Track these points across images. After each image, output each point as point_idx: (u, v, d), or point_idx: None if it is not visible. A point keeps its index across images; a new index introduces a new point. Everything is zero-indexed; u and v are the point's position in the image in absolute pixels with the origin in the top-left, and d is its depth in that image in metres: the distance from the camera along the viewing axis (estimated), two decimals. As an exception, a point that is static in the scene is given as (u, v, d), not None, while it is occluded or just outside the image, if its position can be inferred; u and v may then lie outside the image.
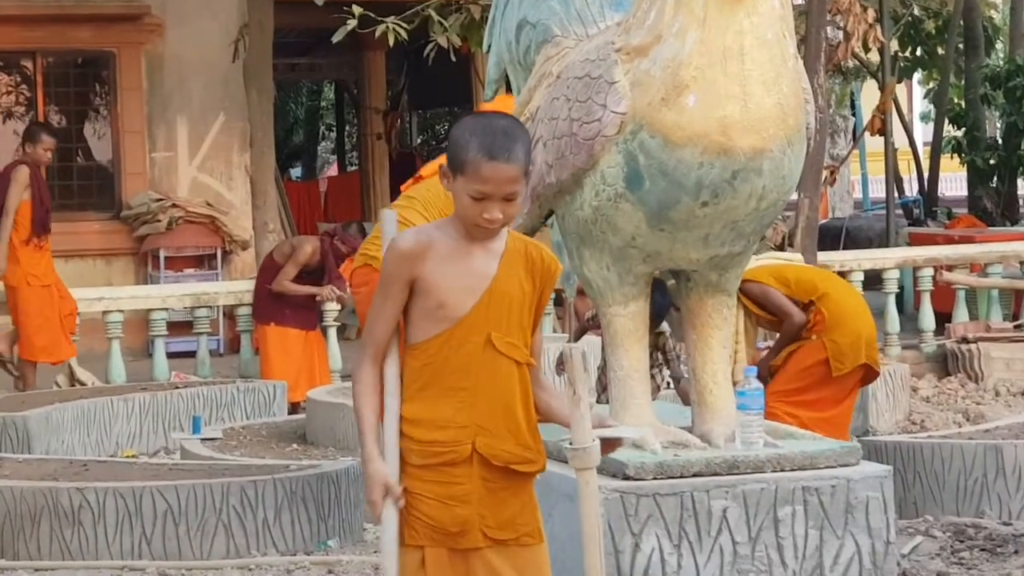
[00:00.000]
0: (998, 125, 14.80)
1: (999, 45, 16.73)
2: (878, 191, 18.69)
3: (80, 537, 4.60)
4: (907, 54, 14.24)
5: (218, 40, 10.22)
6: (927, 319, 8.87)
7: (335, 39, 7.80)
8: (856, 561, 3.25)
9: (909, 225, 13.04)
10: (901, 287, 9.43)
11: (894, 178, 12.54)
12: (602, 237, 3.32)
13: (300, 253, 7.64)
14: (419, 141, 19.64)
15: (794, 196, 7.14)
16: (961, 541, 4.58)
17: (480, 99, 10.45)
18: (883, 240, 11.64)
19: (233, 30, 9.85)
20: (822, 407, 5.13)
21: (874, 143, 13.92)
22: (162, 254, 10.46)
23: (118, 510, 4.60)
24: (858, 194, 20.04)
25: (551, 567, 2.61)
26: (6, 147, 10.13)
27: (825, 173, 9.21)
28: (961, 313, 8.97)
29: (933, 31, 13.79)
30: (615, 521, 3.14)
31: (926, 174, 14.69)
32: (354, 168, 18.80)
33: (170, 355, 8.28)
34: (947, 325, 8.85)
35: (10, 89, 11.02)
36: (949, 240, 10.41)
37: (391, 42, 7.81)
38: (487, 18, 4.13)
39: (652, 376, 4.55)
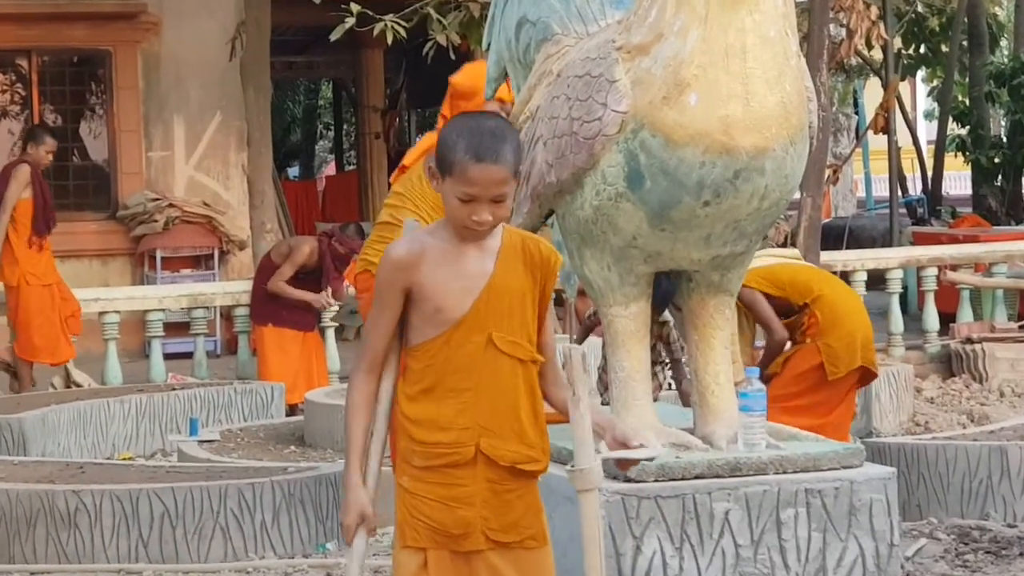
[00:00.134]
0: (1002, 123, 14.78)
1: (1003, 42, 16.73)
2: (881, 190, 18.70)
3: (76, 540, 4.59)
4: (911, 51, 14.22)
5: (215, 38, 10.20)
6: (931, 319, 8.85)
7: (333, 37, 7.77)
8: (860, 564, 3.23)
9: (913, 224, 13.02)
10: (905, 287, 9.41)
11: (897, 177, 12.51)
12: (603, 237, 3.29)
13: (298, 254, 7.61)
14: (418, 140, 19.63)
15: (796, 195, 7.11)
16: (965, 543, 4.56)
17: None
18: (886, 239, 11.62)
19: (230, 28, 9.83)
20: (820, 413, 5.10)
21: (877, 141, 13.89)
22: (159, 254, 10.45)
23: (115, 513, 4.58)
24: (861, 193, 20.02)
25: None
26: (1, 146, 10.12)
27: (828, 172, 9.17)
28: (965, 313, 8.95)
29: (937, 28, 13.76)
30: (616, 523, 3.13)
31: (930, 173, 14.67)
32: (352, 167, 18.81)
33: (167, 356, 8.26)
34: (951, 325, 8.83)
35: (5, 88, 11.01)
36: (953, 239, 10.39)
37: (389, 40, 7.78)
38: (486, 16, 4.10)
39: (655, 374, 4.52)
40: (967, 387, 8.24)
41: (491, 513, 2.52)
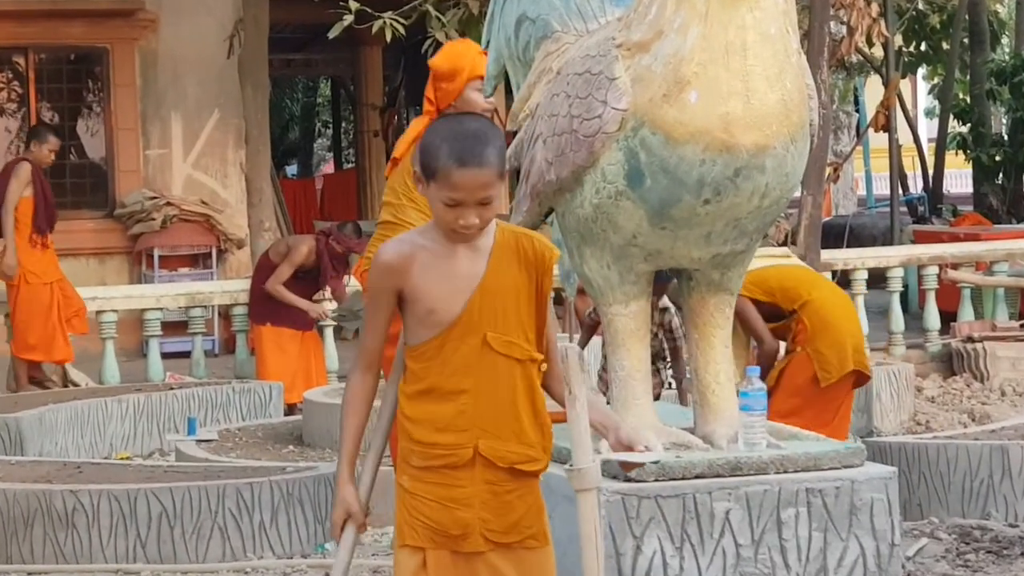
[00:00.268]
0: (1004, 121, 14.77)
1: (1004, 40, 16.71)
2: (882, 188, 18.68)
3: (74, 540, 4.57)
4: (911, 49, 14.21)
5: (213, 36, 10.18)
6: (932, 318, 8.84)
7: (331, 35, 7.75)
8: (860, 563, 3.22)
9: (914, 223, 13.02)
10: (905, 285, 9.40)
11: (898, 175, 12.50)
12: (603, 235, 3.28)
13: (296, 254, 7.59)
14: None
15: (797, 193, 7.09)
16: (967, 543, 4.54)
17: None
18: (887, 238, 11.61)
19: (228, 26, 9.80)
20: (821, 422, 5.06)
21: (878, 139, 13.88)
22: (156, 253, 10.43)
23: (112, 513, 4.57)
24: (862, 191, 20.02)
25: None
26: (-2, 144, 10.11)
27: (828, 170, 9.15)
28: (966, 312, 8.94)
29: (938, 26, 13.75)
30: (616, 523, 3.11)
31: (931, 171, 14.67)
32: (351, 165, 18.80)
33: (165, 355, 8.24)
34: (952, 324, 8.82)
35: (2, 86, 10.99)
36: (954, 238, 10.38)
37: (388, 38, 7.76)
38: (485, 13, 4.08)
39: (657, 371, 4.51)
40: (968, 386, 8.23)
41: (491, 515, 2.51)
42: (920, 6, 13.55)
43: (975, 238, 10.13)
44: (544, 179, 3.39)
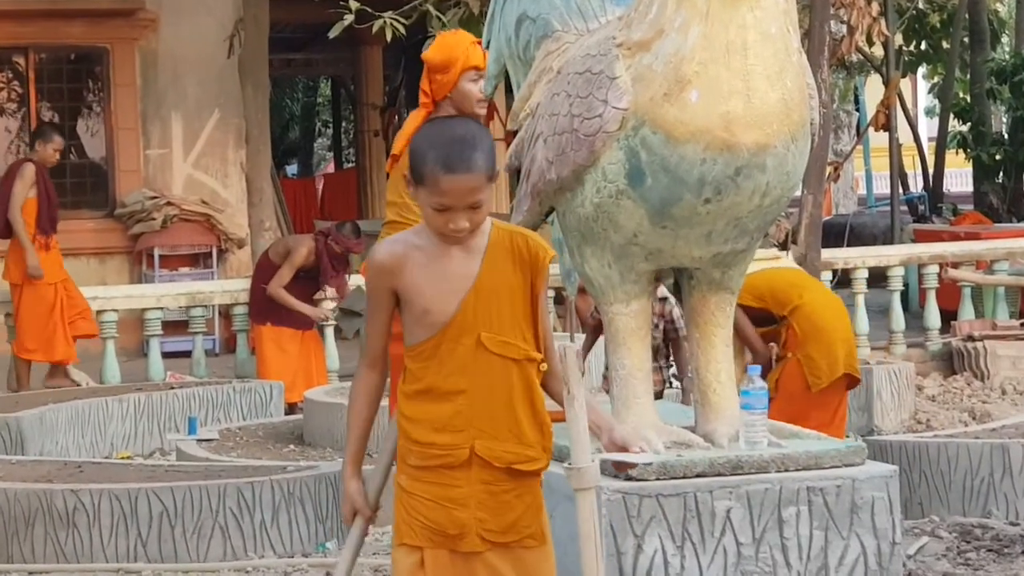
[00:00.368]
0: (1004, 120, 14.76)
1: (1005, 39, 16.71)
2: (882, 187, 18.68)
3: (75, 539, 4.57)
4: (912, 48, 14.21)
5: (213, 36, 10.17)
6: (932, 317, 8.83)
7: (332, 34, 7.75)
8: (861, 562, 3.21)
9: (914, 222, 13.02)
10: (906, 284, 9.40)
11: (899, 174, 12.50)
12: (603, 234, 3.27)
13: (296, 256, 7.60)
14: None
15: (797, 192, 7.09)
16: (968, 541, 4.54)
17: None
18: (888, 237, 11.61)
19: (228, 25, 9.79)
20: (819, 428, 5.05)
21: (878, 139, 13.87)
22: (157, 253, 10.43)
23: (113, 512, 4.57)
24: (862, 190, 20.02)
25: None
26: (-1, 144, 10.11)
27: (829, 169, 9.15)
28: (967, 311, 8.93)
29: (938, 25, 13.74)
30: (617, 522, 3.10)
31: (931, 170, 14.67)
32: (351, 165, 18.79)
33: (165, 355, 8.24)
34: (953, 323, 8.82)
35: (2, 86, 10.98)
36: (955, 237, 10.38)
37: (388, 37, 7.76)
38: (486, 13, 4.07)
39: (659, 368, 4.50)
40: (968, 385, 8.23)
41: (488, 514, 2.51)
42: (920, 5, 13.54)
43: (975, 237, 10.13)
44: (545, 178, 3.39)
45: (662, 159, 3.12)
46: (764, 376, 5.06)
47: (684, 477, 3.16)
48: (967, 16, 13.59)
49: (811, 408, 5.04)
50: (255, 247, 9.07)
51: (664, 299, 4.54)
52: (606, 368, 4.29)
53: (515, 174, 3.63)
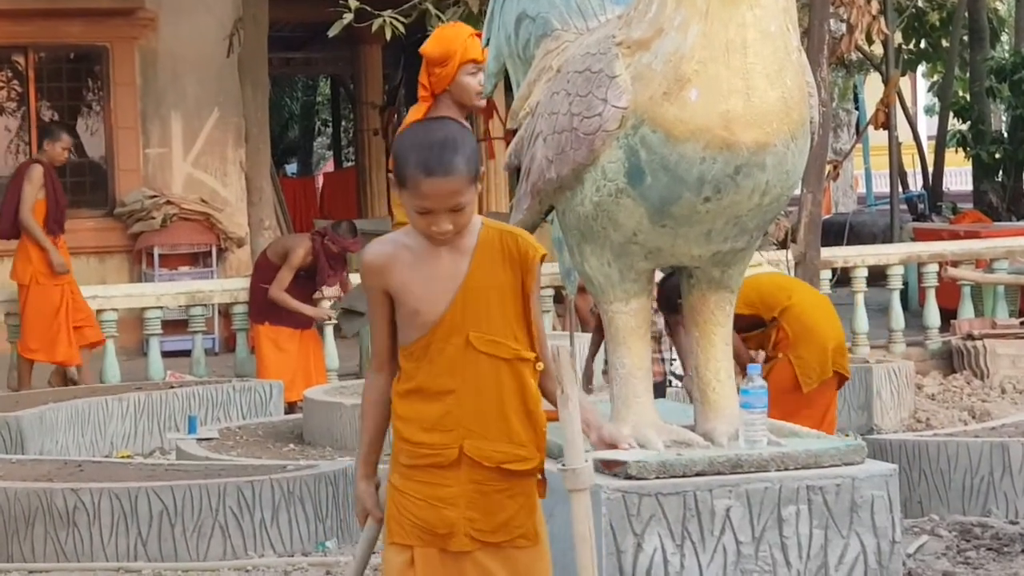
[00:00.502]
0: (1003, 118, 14.78)
1: (1004, 37, 16.72)
2: (882, 186, 18.69)
3: (75, 538, 4.56)
4: (911, 47, 14.21)
5: (212, 35, 10.17)
6: (932, 316, 8.83)
7: (331, 33, 7.74)
8: (861, 561, 3.21)
9: (913, 220, 13.02)
10: (905, 283, 9.40)
11: (898, 173, 12.50)
12: (603, 233, 3.27)
13: (294, 257, 7.60)
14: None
15: (797, 191, 7.09)
16: (967, 540, 4.54)
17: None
18: (887, 236, 11.61)
19: (228, 24, 9.79)
20: (811, 427, 5.06)
21: (878, 137, 13.87)
22: (156, 252, 10.42)
23: (113, 511, 4.56)
24: (862, 189, 20.01)
25: (552, 567, 2.58)
26: (-1, 143, 10.11)
27: (828, 168, 9.15)
28: (966, 309, 8.93)
29: (937, 23, 13.74)
30: (617, 521, 3.10)
31: (931, 168, 14.67)
32: (351, 164, 18.78)
33: (165, 354, 8.24)
34: (952, 322, 8.81)
35: (2, 85, 10.97)
36: (954, 235, 10.37)
37: (388, 36, 7.75)
38: (485, 11, 4.07)
39: (661, 359, 4.50)
40: (968, 383, 8.23)
41: (478, 514, 2.51)
42: (920, 3, 13.54)
43: (975, 235, 10.12)
44: (544, 177, 3.39)
45: (662, 158, 3.12)
46: None
47: (684, 476, 3.16)
48: (967, 14, 13.59)
49: (802, 408, 5.04)
50: (255, 246, 9.07)
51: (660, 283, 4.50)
52: (606, 364, 4.29)
53: (515, 173, 3.63)
